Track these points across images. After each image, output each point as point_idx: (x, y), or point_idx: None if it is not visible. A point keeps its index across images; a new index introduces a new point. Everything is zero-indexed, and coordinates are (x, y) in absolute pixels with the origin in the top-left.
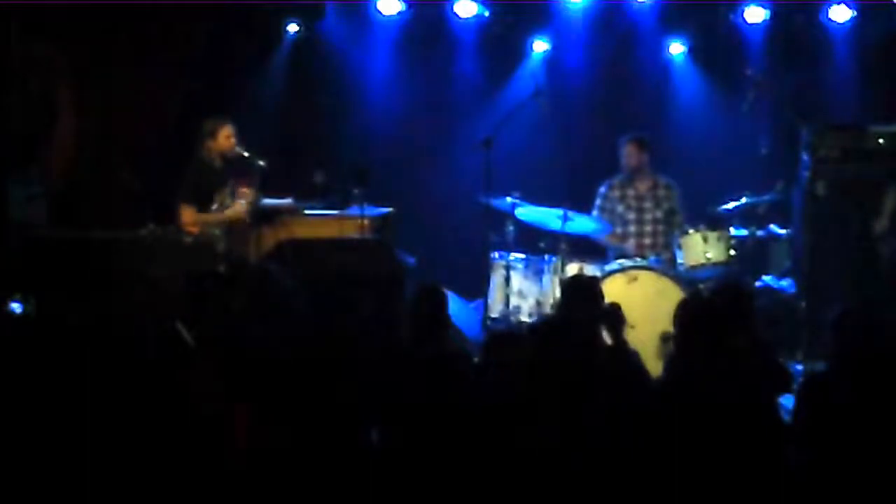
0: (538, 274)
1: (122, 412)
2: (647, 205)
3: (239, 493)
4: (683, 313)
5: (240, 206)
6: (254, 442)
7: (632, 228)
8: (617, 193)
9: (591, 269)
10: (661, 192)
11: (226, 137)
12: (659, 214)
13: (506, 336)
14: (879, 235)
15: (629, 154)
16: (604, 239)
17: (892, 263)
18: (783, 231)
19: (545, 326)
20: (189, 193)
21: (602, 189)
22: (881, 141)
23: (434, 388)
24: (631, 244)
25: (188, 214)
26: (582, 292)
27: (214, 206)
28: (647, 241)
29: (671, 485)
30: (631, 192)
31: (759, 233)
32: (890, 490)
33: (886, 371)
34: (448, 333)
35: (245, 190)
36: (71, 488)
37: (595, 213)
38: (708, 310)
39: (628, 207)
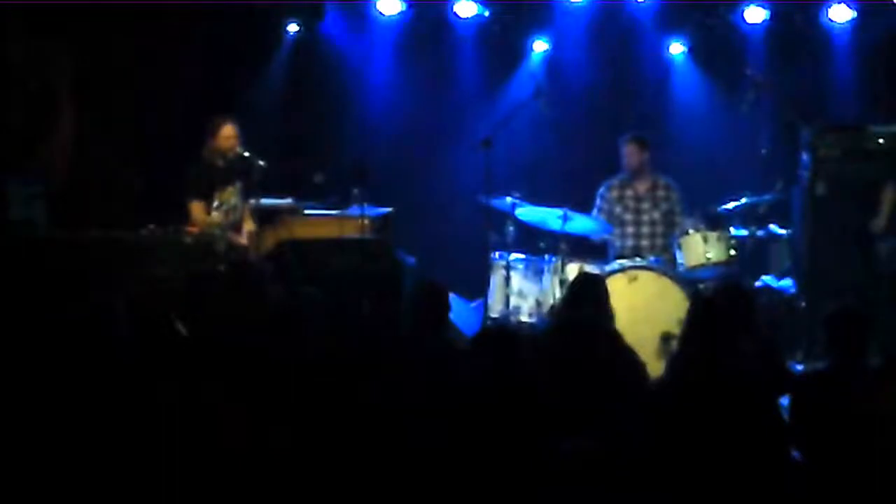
0: (538, 274)
1: (120, 412)
2: (645, 205)
3: (237, 494)
4: (692, 312)
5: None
6: (253, 443)
7: (629, 229)
8: (615, 194)
9: (590, 269)
10: (661, 193)
11: (225, 138)
12: (657, 215)
13: (502, 333)
14: (877, 235)
15: (630, 154)
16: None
17: (890, 263)
18: (783, 231)
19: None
20: (196, 191)
21: (601, 190)
22: (881, 141)
23: (434, 383)
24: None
25: (198, 210)
26: (588, 291)
27: (216, 204)
28: (645, 242)
29: (671, 484)
30: (629, 193)
31: (759, 233)
32: (889, 490)
33: (881, 369)
34: (448, 330)
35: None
36: (65, 490)
37: (594, 213)
38: (710, 310)
39: (626, 208)
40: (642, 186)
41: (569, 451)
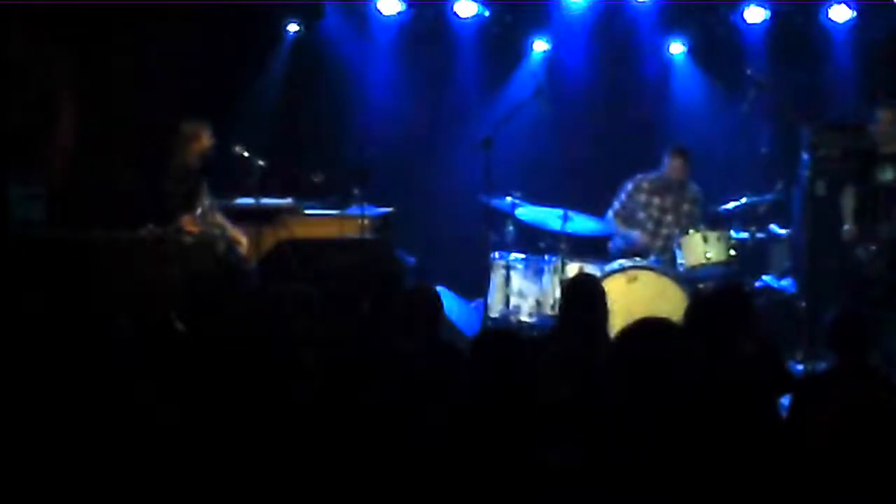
0: (538, 274)
1: (118, 412)
2: (669, 219)
3: (235, 494)
4: (689, 313)
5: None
6: (250, 443)
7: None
8: (643, 198)
9: (591, 269)
10: (686, 208)
11: (208, 138)
12: (675, 230)
13: (502, 334)
14: (850, 241)
15: (676, 168)
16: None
17: (873, 267)
18: (783, 231)
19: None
20: (186, 203)
21: (629, 185)
22: None
23: (431, 384)
24: (638, 236)
25: (190, 223)
26: (583, 293)
27: (199, 211)
28: (653, 251)
29: (671, 484)
30: (656, 201)
31: (759, 233)
32: (889, 490)
33: (881, 369)
34: (438, 334)
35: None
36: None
37: (616, 204)
38: (710, 311)
39: (649, 217)
40: (671, 199)
41: (557, 459)
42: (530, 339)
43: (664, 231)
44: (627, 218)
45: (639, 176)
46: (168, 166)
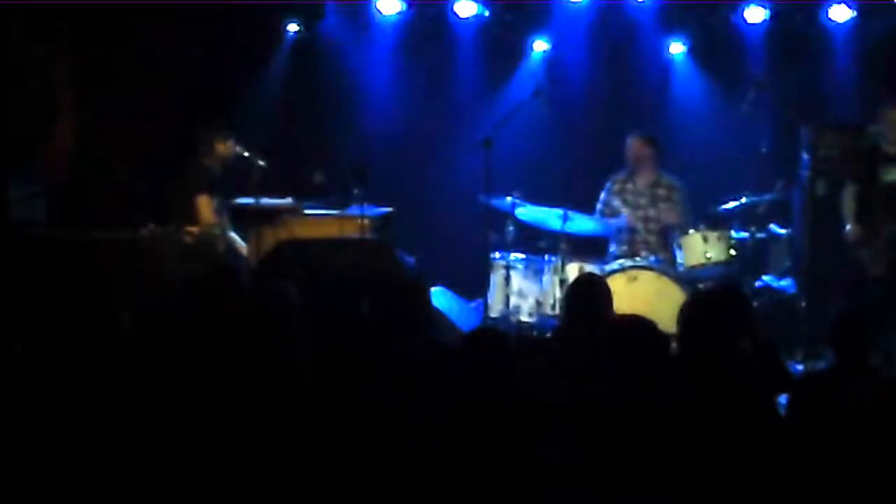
0: (538, 274)
1: (120, 414)
2: (643, 201)
3: (233, 494)
4: (684, 314)
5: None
6: (248, 445)
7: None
8: (617, 188)
9: (591, 269)
10: (662, 192)
11: (230, 146)
12: (652, 213)
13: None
14: (851, 242)
15: (630, 147)
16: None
17: (874, 267)
18: (783, 231)
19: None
20: (203, 187)
21: (608, 184)
22: None
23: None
24: (624, 216)
25: (205, 203)
26: (588, 294)
27: (214, 203)
28: (639, 237)
29: (671, 484)
30: (629, 187)
31: (760, 233)
32: (889, 490)
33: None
34: (428, 328)
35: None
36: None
37: (599, 206)
38: (708, 311)
39: (624, 202)
40: (643, 182)
41: (556, 459)
42: (530, 339)
43: (640, 213)
44: (612, 214)
45: (613, 176)
46: (188, 164)
